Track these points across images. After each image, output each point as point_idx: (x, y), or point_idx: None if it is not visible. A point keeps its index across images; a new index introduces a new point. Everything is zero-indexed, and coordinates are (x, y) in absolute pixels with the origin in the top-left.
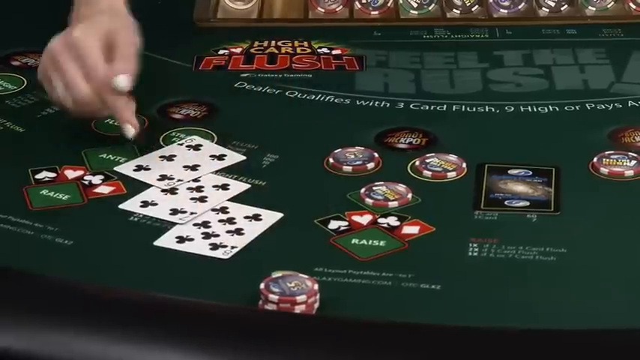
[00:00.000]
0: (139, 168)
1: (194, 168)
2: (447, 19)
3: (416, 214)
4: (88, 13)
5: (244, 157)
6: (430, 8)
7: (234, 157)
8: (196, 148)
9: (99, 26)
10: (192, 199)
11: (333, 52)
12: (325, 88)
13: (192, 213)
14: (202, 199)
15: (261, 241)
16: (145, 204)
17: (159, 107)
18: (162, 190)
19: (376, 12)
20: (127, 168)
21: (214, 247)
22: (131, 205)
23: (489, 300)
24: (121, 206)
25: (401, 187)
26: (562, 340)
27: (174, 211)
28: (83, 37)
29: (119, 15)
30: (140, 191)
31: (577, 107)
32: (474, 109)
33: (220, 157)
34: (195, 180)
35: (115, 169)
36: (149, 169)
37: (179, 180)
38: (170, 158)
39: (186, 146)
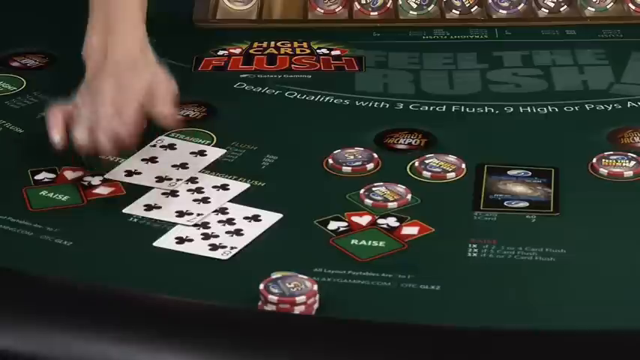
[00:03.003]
0: (130, 173)
1: (184, 166)
2: (446, 19)
3: (415, 215)
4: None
5: (225, 151)
6: (429, 9)
7: (214, 152)
8: (171, 147)
9: (143, 78)
10: (195, 200)
11: (333, 52)
12: (324, 89)
13: (199, 214)
14: (205, 200)
15: (260, 242)
16: (148, 207)
17: None
18: (163, 193)
19: (375, 13)
20: (117, 174)
21: (214, 247)
22: (135, 209)
23: (488, 300)
24: (124, 210)
25: (400, 188)
26: (561, 340)
27: (180, 214)
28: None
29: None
30: (140, 192)
31: (576, 108)
32: (474, 110)
33: (201, 153)
34: (193, 181)
35: (106, 176)
36: (140, 173)
37: (178, 179)
38: (153, 160)
39: (160, 147)
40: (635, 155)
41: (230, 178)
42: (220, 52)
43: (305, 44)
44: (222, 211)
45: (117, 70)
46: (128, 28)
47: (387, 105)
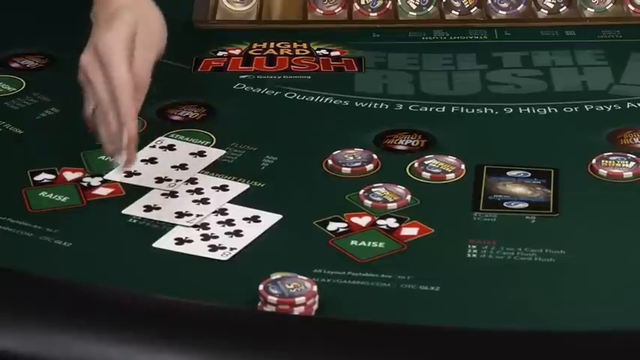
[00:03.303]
0: (129, 174)
1: (183, 167)
2: (446, 20)
3: (415, 216)
4: (112, 9)
5: (224, 152)
6: (429, 10)
7: (214, 153)
8: (170, 148)
9: (123, 31)
10: (194, 201)
11: (332, 53)
12: (324, 90)
13: (198, 215)
14: (205, 201)
15: (260, 243)
16: (148, 208)
17: (158, 109)
18: (163, 194)
19: (375, 14)
20: (116, 175)
21: (213, 248)
22: (134, 209)
23: (488, 301)
24: (124, 211)
25: (400, 189)
26: (560, 341)
27: (180, 214)
28: (108, 49)
29: (143, 8)
30: (139, 193)
31: (576, 109)
32: (473, 111)
33: (201, 154)
34: (193, 182)
35: (105, 177)
36: (139, 173)
37: (178, 180)
38: (152, 161)
39: (160, 147)
40: (634, 156)
41: (229, 179)
42: (220, 53)
43: (304, 45)
44: (222, 211)
45: (96, 28)
46: None
47: (387, 106)
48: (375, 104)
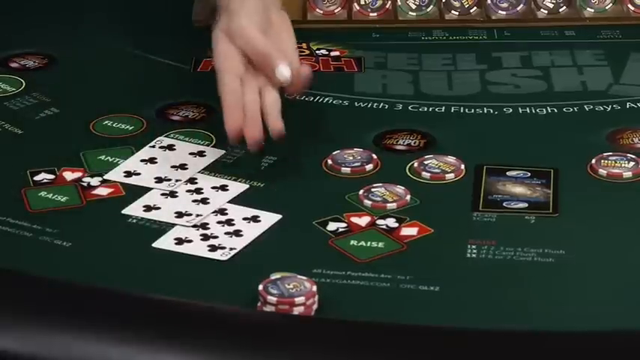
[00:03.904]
0: (129, 174)
1: (183, 167)
2: (445, 20)
3: (414, 216)
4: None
5: (224, 152)
6: (428, 10)
7: (213, 153)
8: (170, 148)
9: (256, 17)
10: (194, 201)
11: (332, 53)
12: (324, 90)
13: (197, 215)
14: (204, 201)
15: (259, 243)
16: (147, 208)
17: (157, 109)
18: (162, 194)
19: (375, 14)
20: (116, 174)
21: (213, 248)
22: (134, 209)
23: (488, 301)
24: (124, 211)
25: (399, 189)
26: (560, 341)
27: (180, 214)
28: (247, 29)
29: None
30: (139, 193)
31: (575, 109)
32: (473, 111)
33: (201, 154)
34: (192, 182)
35: (105, 177)
36: (139, 173)
37: (177, 180)
38: (152, 161)
39: (160, 147)
40: (634, 156)
41: (229, 179)
42: None
43: (304, 45)
44: (222, 211)
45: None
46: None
47: (387, 106)
48: (375, 104)
